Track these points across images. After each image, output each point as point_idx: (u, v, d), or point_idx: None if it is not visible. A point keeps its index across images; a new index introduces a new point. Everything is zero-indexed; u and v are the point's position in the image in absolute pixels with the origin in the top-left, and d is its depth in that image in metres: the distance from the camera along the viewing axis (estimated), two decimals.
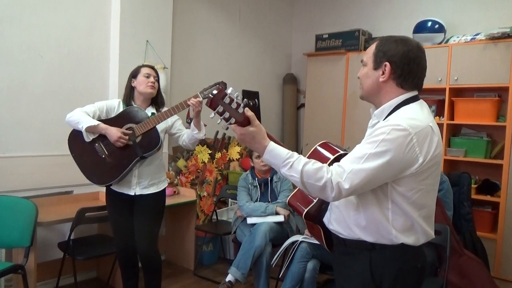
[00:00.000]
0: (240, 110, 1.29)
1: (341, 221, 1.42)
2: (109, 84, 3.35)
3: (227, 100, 1.26)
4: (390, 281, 1.34)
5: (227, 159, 4.26)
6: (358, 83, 1.50)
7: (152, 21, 3.49)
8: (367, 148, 1.25)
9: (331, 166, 1.27)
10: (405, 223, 1.31)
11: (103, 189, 3.30)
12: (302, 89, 5.19)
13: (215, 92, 1.27)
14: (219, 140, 4.25)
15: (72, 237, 2.67)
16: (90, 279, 3.29)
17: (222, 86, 2.42)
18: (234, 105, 1.27)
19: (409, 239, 1.32)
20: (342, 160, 1.29)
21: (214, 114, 1.28)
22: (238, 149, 4.32)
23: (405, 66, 1.33)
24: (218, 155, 4.16)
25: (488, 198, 3.60)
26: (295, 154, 1.30)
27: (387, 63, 1.33)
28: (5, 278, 2.70)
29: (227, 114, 1.27)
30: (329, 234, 1.55)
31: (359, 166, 1.23)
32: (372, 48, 1.40)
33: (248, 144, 1.33)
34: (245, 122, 1.31)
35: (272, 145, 1.31)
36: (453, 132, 3.95)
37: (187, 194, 3.60)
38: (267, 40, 4.97)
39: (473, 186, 3.54)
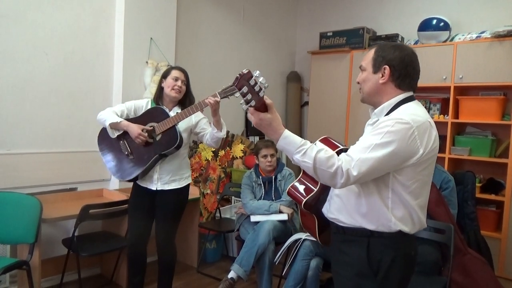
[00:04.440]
0: (261, 94, 1.31)
1: (342, 210, 1.50)
2: (113, 81, 3.35)
3: (252, 82, 1.29)
4: (386, 267, 1.43)
5: (231, 156, 4.26)
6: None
7: (156, 19, 3.50)
8: (373, 139, 1.34)
9: (340, 155, 1.36)
10: (403, 212, 1.42)
11: (107, 186, 3.33)
12: (306, 87, 5.19)
13: (245, 71, 1.29)
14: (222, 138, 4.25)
15: (76, 234, 2.68)
16: (94, 276, 3.30)
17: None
18: (257, 88, 1.30)
19: (406, 227, 1.42)
20: (349, 150, 1.38)
21: (239, 94, 1.31)
22: (241, 147, 4.32)
23: (402, 69, 1.46)
24: (221, 152, 4.16)
25: (492, 197, 3.58)
26: (308, 142, 1.37)
27: (387, 67, 1.46)
28: (10, 274, 2.73)
29: (249, 96, 1.30)
30: (323, 226, 1.61)
31: (366, 155, 1.32)
32: (370, 54, 1.52)
33: (264, 129, 1.38)
34: (262, 107, 1.34)
35: (287, 132, 1.38)
36: (457, 131, 3.93)
37: (191, 192, 3.54)
38: (271, 38, 4.96)
39: (478, 185, 3.52)
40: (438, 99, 3.91)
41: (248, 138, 4.61)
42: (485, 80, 3.57)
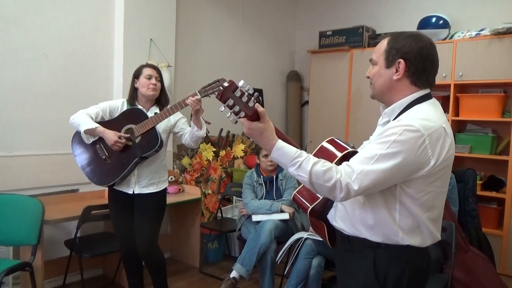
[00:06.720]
0: (251, 104, 1.24)
1: (346, 219, 1.40)
2: (114, 82, 3.36)
3: (238, 93, 1.22)
4: (394, 281, 1.32)
5: (232, 156, 4.26)
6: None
7: (156, 19, 3.50)
8: (378, 149, 1.21)
9: (340, 166, 1.25)
10: (412, 225, 1.29)
11: None
12: (306, 87, 5.19)
13: (226, 84, 1.21)
14: (223, 138, 4.26)
15: (78, 235, 2.70)
16: (96, 276, 3.31)
17: (222, 82, 2.37)
18: (244, 99, 1.23)
19: (415, 241, 1.30)
20: (352, 159, 1.26)
21: (224, 107, 1.23)
22: (242, 146, 4.33)
23: (419, 64, 1.29)
24: (222, 152, 4.16)
25: (493, 194, 3.59)
26: (304, 153, 1.27)
27: (401, 61, 1.29)
28: (13, 276, 2.73)
29: (237, 108, 1.23)
30: (332, 231, 1.54)
31: (369, 167, 1.20)
32: (382, 45, 1.35)
33: (255, 139, 1.30)
34: (254, 116, 1.26)
35: (280, 143, 1.27)
36: (458, 129, 3.93)
37: (192, 192, 3.62)
38: (271, 37, 4.96)
39: (479, 182, 3.52)
40: (438, 97, 3.90)
41: (249, 138, 4.61)
42: (485, 77, 3.57)
